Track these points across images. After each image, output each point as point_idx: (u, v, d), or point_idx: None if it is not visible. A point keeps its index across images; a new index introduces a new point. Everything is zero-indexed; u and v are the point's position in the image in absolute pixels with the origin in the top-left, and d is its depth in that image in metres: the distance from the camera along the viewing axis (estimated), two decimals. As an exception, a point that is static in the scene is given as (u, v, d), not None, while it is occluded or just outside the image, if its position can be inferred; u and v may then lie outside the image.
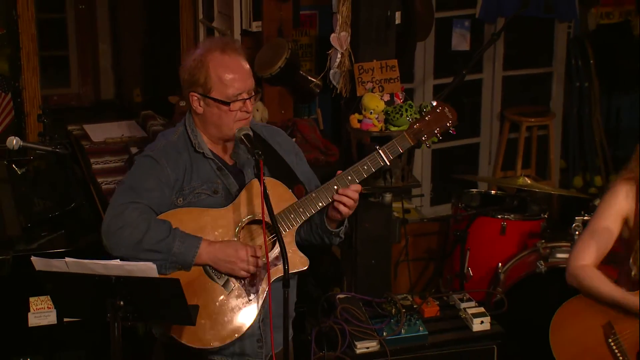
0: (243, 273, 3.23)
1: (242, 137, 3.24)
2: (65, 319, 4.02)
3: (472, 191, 5.55)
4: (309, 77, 5.23)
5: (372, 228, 4.60)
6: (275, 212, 3.19)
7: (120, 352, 3.07)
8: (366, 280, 4.61)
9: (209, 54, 3.25)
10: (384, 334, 4.20)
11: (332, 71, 4.60)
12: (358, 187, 3.33)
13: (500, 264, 5.00)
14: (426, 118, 3.47)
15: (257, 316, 3.29)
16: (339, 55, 4.53)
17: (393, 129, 4.34)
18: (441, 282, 5.34)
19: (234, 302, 3.27)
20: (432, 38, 6.63)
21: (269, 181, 3.28)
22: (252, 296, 3.29)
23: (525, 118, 6.93)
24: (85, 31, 9.26)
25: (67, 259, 2.96)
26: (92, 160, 5.07)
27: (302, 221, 3.31)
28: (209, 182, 3.33)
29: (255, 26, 5.39)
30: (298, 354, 4.34)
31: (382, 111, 4.37)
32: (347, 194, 3.28)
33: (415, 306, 4.40)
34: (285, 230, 3.28)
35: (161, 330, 3.32)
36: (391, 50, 4.46)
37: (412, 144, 3.42)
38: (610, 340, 3.41)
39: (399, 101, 4.43)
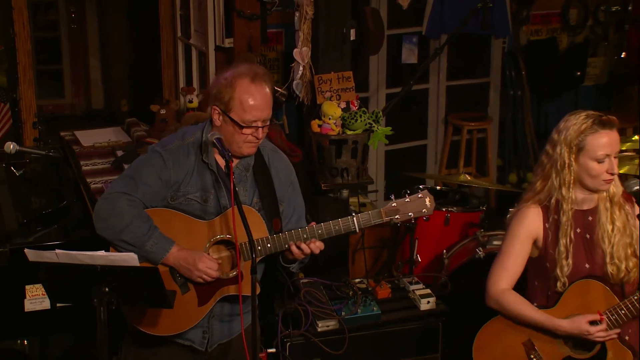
0: (198, 280, 3.23)
1: (214, 140, 3.20)
2: (57, 305, 3.97)
3: (420, 186, 5.54)
4: (275, 88, 5.20)
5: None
6: (245, 239, 3.12)
7: (106, 334, 3.05)
8: (327, 266, 4.58)
9: (239, 78, 3.19)
10: (342, 313, 4.20)
11: (295, 82, 4.59)
12: (321, 246, 3.31)
13: (444, 251, 5.01)
14: (406, 201, 3.32)
15: (204, 317, 3.32)
16: (301, 68, 4.52)
17: (349, 132, 4.33)
18: (393, 267, 5.34)
19: (187, 302, 3.27)
20: (384, 52, 6.69)
21: (249, 210, 3.24)
22: (203, 302, 3.29)
23: (466, 122, 6.96)
24: (77, 48, 9.21)
25: (57, 250, 2.94)
26: (82, 163, 5.03)
27: (265, 255, 3.28)
28: (204, 190, 3.29)
29: (227, 42, 5.36)
30: (267, 333, 4.34)
31: (339, 117, 4.36)
32: (310, 247, 3.27)
33: (370, 289, 4.40)
34: (247, 258, 3.25)
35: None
36: (347, 63, 4.46)
37: (384, 221, 3.34)
38: (532, 356, 3.34)
39: (354, 108, 4.43)
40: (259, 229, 3.27)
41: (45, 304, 3.97)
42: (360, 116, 4.32)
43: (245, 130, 3.20)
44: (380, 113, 4.36)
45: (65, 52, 9.22)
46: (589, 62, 7.54)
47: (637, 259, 3.25)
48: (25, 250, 2.98)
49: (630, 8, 6.79)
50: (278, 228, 3.34)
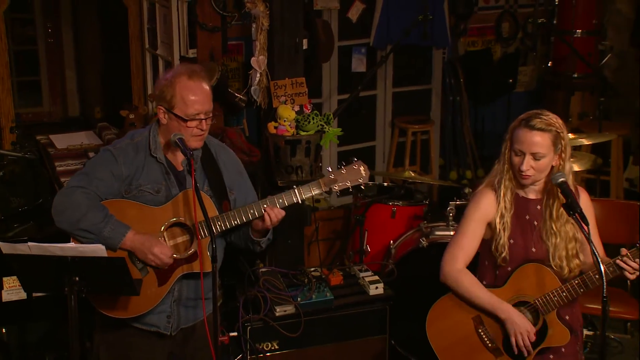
0: (154, 264, 3.19)
1: (177, 140, 3.18)
2: (33, 295, 3.90)
3: (369, 183, 5.53)
4: (235, 94, 5.17)
5: (287, 214, 4.53)
6: (199, 219, 3.19)
7: (76, 320, 2.99)
8: (284, 256, 4.56)
9: (178, 77, 3.20)
10: (298, 299, 4.17)
11: (253, 88, 4.55)
12: (279, 213, 3.31)
13: (391, 241, 4.99)
14: (342, 171, 3.33)
15: (164, 299, 3.26)
16: (258, 75, 4.49)
17: (303, 133, 4.30)
18: (345, 257, 5.32)
19: (148, 284, 3.22)
20: (335, 61, 6.68)
21: (202, 195, 3.20)
22: (162, 282, 3.24)
23: (410, 125, 6.95)
24: (54, 60, 9.07)
25: (29, 243, 2.88)
26: (56, 164, 4.96)
27: (217, 233, 3.25)
28: (155, 182, 3.26)
29: (191, 53, 5.30)
30: (229, 318, 4.29)
31: (294, 119, 4.33)
32: (269, 213, 3.27)
33: (323, 276, 4.37)
34: (203, 237, 3.23)
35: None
36: (300, 70, 4.43)
37: (323, 190, 3.35)
38: (480, 330, 3.32)
39: (307, 111, 4.40)
40: (212, 210, 3.26)
41: (22, 295, 3.91)
42: (313, 118, 4.29)
43: (189, 124, 3.19)
44: (331, 115, 4.34)
45: (43, 64, 9.09)
46: (519, 71, 7.60)
47: (579, 261, 3.22)
48: (0, 243, 2.91)
49: (555, 22, 6.84)
50: (227, 209, 3.33)
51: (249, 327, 4.08)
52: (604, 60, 6.63)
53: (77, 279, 2.90)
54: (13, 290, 3.88)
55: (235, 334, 4.10)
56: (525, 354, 3.23)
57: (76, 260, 2.87)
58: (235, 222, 3.27)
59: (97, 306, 3.23)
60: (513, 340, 3.22)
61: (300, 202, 3.35)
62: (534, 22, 7.34)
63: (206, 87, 3.24)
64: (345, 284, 4.40)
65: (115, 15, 6.52)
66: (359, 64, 6.79)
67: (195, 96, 3.18)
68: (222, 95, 5.14)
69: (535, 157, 3.15)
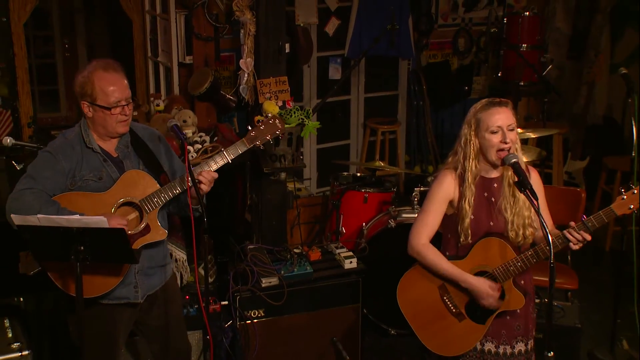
0: None
1: (172, 127, 3.06)
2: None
3: (344, 173, 5.47)
4: (227, 95, 5.07)
5: (272, 198, 4.45)
6: (143, 197, 3.04)
7: (81, 286, 2.84)
8: (269, 235, 4.45)
9: (94, 72, 3.02)
10: (282, 272, 4.09)
11: (241, 87, 4.45)
12: (214, 175, 3.13)
13: (364, 223, 4.90)
14: (260, 127, 3.21)
15: (128, 272, 3.09)
16: (245, 75, 4.38)
17: (285, 126, 4.17)
18: (323, 237, 5.22)
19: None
20: (315, 70, 6.64)
21: (139, 173, 3.09)
22: None
23: (380, 126, 6.88)
24: (70, 71, 8.92)
25: (38, 215, 2.73)
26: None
27: (164, 203, 3.09)
28: (96, 170, 3.08)
29: (188, 59, 5.22)
30: (221, 289, 4.19)
31: (277, 113, 4.21)
32: (202, 174, 3.09)
33: (304, 253, 4.29)
34: (150, 210, 3.07)
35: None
36: (283, 69, 4.31)
37: (248, 147, 3.20)
38: (445, 298, 3.22)
39: (289, 106, 4.29)
40: (153, 185, 3.10)
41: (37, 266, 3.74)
42: (294, 113, 4.19)
43: (113, 111, 3.03)
44: (310, 110, 4.24)
45: (60, 75, 8.97)
46: (474, 80, 7.55)
47: (533, 229, 3.14)
48: (12, 215, 2.77)
49: (504, 36, 6.80)
50: (167, 181, 3.16)
51: (238, 297, 3.99)
52: (546, 71, 6.60)
53: (81, 248, 2.76)
54: (29, 263, 3.72)
55: (226, 302, 4.04)
56: (493, 307, 3.13)
57: (81, 231, 2.73)
58: (177, 191, 3.10)
59: (66, 289, 3.04)
60: (483, 303, 3.12)
61: (230, 162, 3.18)
62: (487, 30, 7.30)
63: (121, 76, 3.05)
64: (323, 259, 4.31)
65: (122, 29, 6.41)
66: (335, 72, 6.75)
67: (113, 86, 3.01)
68: (215, 96, 5.05)
69: (509, 128, 3.05)
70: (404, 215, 4.71)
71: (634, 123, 4.26)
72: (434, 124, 7.37)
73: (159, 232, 3.11)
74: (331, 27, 6.65)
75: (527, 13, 6.44)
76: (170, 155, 3.30)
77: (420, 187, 4.82)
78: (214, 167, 3.15)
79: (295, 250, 4.29)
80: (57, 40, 8.93)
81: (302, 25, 6.18)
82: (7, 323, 3.84)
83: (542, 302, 4.14)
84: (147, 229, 3.09)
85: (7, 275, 3.81)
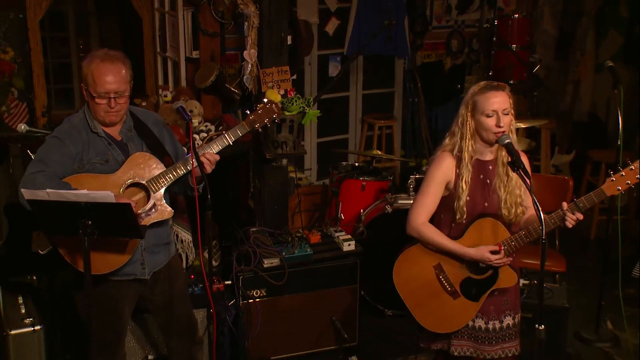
0: None
1: (178, 108, 2.98)
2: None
3: (343, 163, 5.38)
4: (232, 89, 4.99)
5: (274, 184, 4.35)
6: (149, 177, 2.97)
7: (88, 260, 2.75)
8: (271, 219, 4.36)
9: (93, 59, 2.92)
10: (283, 253, 4.01)
11: (245, 77, 4.35)
12: (216, 157, 3.06)
13: (362, 210, 4.82)
14: (258, 112, 3.15)
15: (135, 250, 3.01)
16: (249, 66, 4.29)
17: (287, 113, 4.10)
18: (323, 224, 5.14)
19: (120, 239, 2.96)
20: (315, 67, 6.55)
21: (145, 155, 3.00)
22: None
23: (377, 121, 6.79)
24: (84, 70, 8.87)
25: (47, 190, 2.63)
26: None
27: (169, 183, 3.01)
28: (102, 154, 2.99)
29: (195, 54, 5.13)
30: (225, 270, 4.10)
31: (279, 102, 4.11)
32: (205, 155, 3.03)
33: (304, 236, 4.21)
34: (156, 190, 2.99)
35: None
36: (285, 60, 4.21)
37: (248, 130, 3.13)
38: (440, 277, 3.13)
39: (290, 95, 4.20)
40: (158, 166, 3.02)
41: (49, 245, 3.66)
42: (296, 101, 4.09)
43: (97, 100, 2.92)
44: (311, 99, 4.15)
45: (75, 74, 8.85)
46: (466, 79, 7.45)
47: (523, 207, 3.06)
48: (22, 189, 2.68)
49: (495, 39, 6.72)
50: (170, 163, 3.09)
51: (241, 277, 3.91)
52: (534, 70, 6.53)
53: (89, 222, 2.67)
54: (41, 241, 3.64)
55: (229, 282, 3.95)
56: (502, 264, 3.05)
57: (88, 205, 2.64)
58: (181, 171, 3.02)
59: (75, 265, 2.94)
60: (492, 265, 3.04)
61: (231, 143, 3.10)
62: (480, 27, 7.22)
63: (116, 69, 2.92)
64: (322, 241, 4.22)
65: (133, 27, 6.32)
66: (334, 70, 6.66)
67: (104, 76, 2.88)
68: (221, 89, 4.99)
69: (504, 112, 2.96)
70: (400, 201, 4.62)
71: (619, 112, 4.19)
72: (428, 120, 7.28)
73: (167, 211, 3.05)
74: (331, 26, 6.57)
75: (517, 15, 6.41)
76: (174, 141, 3.23)
77: (416, 175, 4.74)
78: (216, 148, 3.08)
79: (296, 234, 4.21)
80: (72, 40, 8.85)
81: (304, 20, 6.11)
82: (20, 300, 3.79)
83: (532, 283, 4.06)
84: (154, 207, 3.01)
85: (21, 255, 3.74)
